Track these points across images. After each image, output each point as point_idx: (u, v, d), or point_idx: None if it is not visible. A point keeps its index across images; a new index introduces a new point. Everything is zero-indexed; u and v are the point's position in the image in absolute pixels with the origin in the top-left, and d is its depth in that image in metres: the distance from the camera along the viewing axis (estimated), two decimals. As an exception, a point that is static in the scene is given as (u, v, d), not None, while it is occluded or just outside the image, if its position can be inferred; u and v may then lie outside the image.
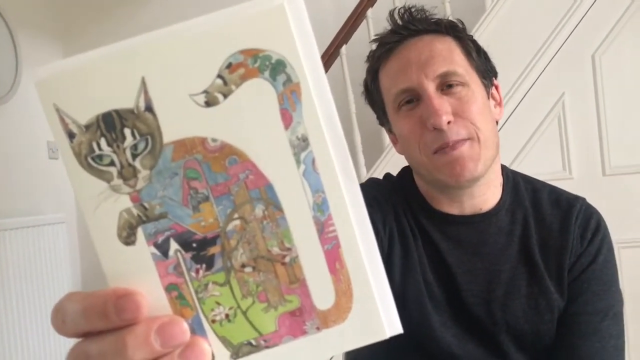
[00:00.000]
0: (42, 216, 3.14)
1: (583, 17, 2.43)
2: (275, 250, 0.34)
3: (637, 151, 2.41)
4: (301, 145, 0.33)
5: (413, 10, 0.95)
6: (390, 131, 1.02)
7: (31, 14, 3.43)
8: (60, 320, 0.34)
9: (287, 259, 0.34)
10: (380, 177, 1.09)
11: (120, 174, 0.33)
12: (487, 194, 0.95)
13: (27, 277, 2.92)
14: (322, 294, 0.35)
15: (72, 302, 0.33)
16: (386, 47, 0.94)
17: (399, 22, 0.95)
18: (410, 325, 0.90)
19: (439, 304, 0.92)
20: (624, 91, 2.41)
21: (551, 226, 0.94)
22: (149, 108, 0.33)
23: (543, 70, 2.47)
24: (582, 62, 2.45)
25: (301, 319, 0.35)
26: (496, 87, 0.99)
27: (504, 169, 1.00)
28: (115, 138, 0.33)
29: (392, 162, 2.53)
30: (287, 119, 0.33)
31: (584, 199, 0.98)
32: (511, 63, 2.39)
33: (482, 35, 2.46)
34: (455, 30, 0.94)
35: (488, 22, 2.50)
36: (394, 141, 1.01)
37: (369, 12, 2.78)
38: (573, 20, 2.44)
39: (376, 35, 0.99)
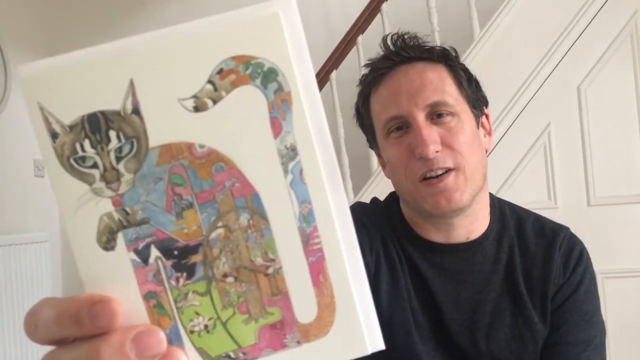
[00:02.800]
0: (26, 234, 3.11)
1: (569, 49, 2.47)
2: (259, 260, 0.33)
3: (621, 182, 2.44)
4: (290, 154, 0.33)
5: (406, 37, 0.96)
6: (379, 155, 1.02)
7: (20, 29, 3.43)
8: (33, 325, 0.33)
9: (270, 270, 0.33)
10: (368, 201, 1.09)
11: (103, 177, 0.32)
12: (473, 224, 0.95)
13: (8, 294, 2.87)
14: (305, 307, 0.34)
15: (46, 307, 0.32)
16: (378, 72, 0.95)
17: (392, 48, 0.95)
18: (396, 352, 0.90)
19: (424, 332, 0.91)
20: (608, 123, 2.45)
21: (535, 255, 0.94)
22: (136, 111, 0.32)
23: (529, 101, 2.50)
24: (568, 93, 2.48)
25: (282, 332, 0.34)
26: (486, 116, 0.99)
27: (490, 197, 1.00)
28: (99, 140, 0.32)
29: (380, 187, 2.53)
30: (276, 127, 0.33)
31: (567, 229, 0.98)
32: (498, 93, 2.42)
33: (470, 64, 2.46)
34: (447, 59, 0.94)
35: (476, 52, 2.54)
36: (383, 164, 1.01)
37: (360, 38, 2.81)
38: (559, 52, 2.48)
39: (368, 60, 0.99)
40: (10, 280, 2.90)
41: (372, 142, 1.01)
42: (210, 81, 0.32)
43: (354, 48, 2.84)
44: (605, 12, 2.45)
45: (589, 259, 0.96)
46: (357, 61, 2.79)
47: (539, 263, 0.94)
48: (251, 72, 0.32)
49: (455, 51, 0.98)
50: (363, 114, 1.00)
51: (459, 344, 0.91)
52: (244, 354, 0.34)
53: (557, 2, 2.50)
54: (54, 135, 0.32)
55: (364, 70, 1.00)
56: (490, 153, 0.98)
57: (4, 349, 2.79)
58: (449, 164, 0.87)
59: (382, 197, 1.08)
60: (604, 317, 0.95)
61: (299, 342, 0.34)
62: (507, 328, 0.91)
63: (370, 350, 0.34)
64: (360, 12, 2.84)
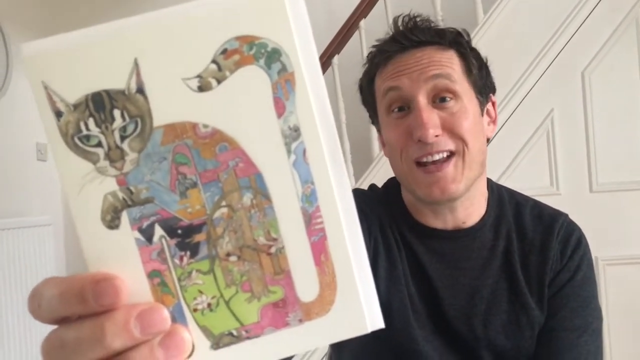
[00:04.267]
0: (28, 218, 3.11)
1: (573, 34, 2.46)
2: (262, 240, 0.34)
3: (624, 169, 2.44)
4: (293, 135, 0.33)
5: (418, 19, 0.93)
6: (380, 132, 1.01)
7: (23, 13, 3.42)
8: (37, 304, 0.33)
9: (272, 250, 0.34)
10: (367, 187, 1.09)
11: (108, 156, 0.32)
12: (470, 209, 0.95)
13: (12, 279, 2.89)
14: (306, 286, 0.34)
15: (50, 286, 0.32)
16: (385, 54, 0.93)
17: (402, 29, 0.93)
18: (393, 336, 0.90)
19: (421, 317, 0.92)
20: (612, 109, 2.44)
21: (533, 241, 0.94)
22: (141, 90, 0.32)
23: (533, 86, 2.50)
24: (572, 79, 2.48)
25: (284, 311, 0.34)
26: (493, 104, 0.98)
27: (489, 182, 1.00)
28: (104, 119, 0.32)
29: (381, 173, 2.54)
30: (280, 108, 0.33)
31: (566, 215, 0.98)
32: (501, 78, 2.39)
33: (473, 49, 2.47)
34: (459, 45, 0.92)
35: (479, 36, 2.53)
36: (383, 143, 1.01)
37: (362, 22, 2.80)
38: (563, 37, 2.47)
39: (377, 40, 0.97)
40: (14, 263, 2.91)
41: (374, 119, 1.01)
42: (214, 61, 0.32)
43: (356, 32, 2.82)
44: (610, -3, 2.44)
45: (586, 245, 0.96)
46: (359, 45, 2.78)
47: (536, 249, 0.94)
48: (255, 52, 0.32)
49: (468, 34, 0.95)
50: (366, 93, 1.00)
51: (456, 329, 0.92)
52: (246, 331, 0.34)
53: (562, -13, 2.48)
54: (58, 114, 0.32)
55: (368, 53, 0.98)
56: (492, 139, 0.97)
57: (7, 333, 2.81)
58: (450, 146, 0.86)
59: (383, 183, 1.08)
60: (604, 304, 0.96)
61: (300, 321, 0.35)
62: (504, 314, 0.91)
63: (370, 328, 0.35)
64: (363, -4, 2.83)
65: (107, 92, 0.32)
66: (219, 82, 0.32)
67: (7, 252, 2.88)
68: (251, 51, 0.32)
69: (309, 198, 0.34)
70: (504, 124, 2.47)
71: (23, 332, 2.90)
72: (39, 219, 3.18)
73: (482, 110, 0.94)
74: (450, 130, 0.86)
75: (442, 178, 0.86)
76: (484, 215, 0.96)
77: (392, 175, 1.01)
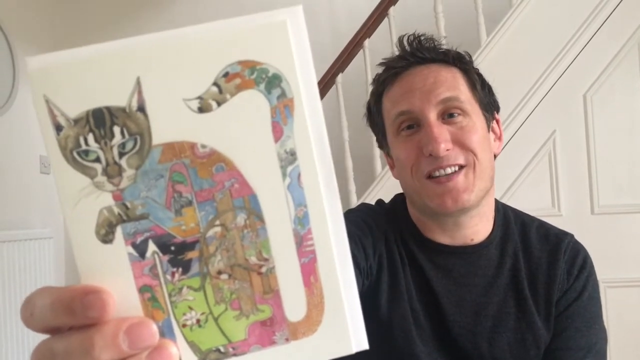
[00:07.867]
0: (30, 230, 3.12)
1: (576, 57, 2.48)
2: (253, 259, 0.34)
3: (625, 191, 2.44)
4: (289, 159, 0.34)
5: (422, 38, 0.96)
6: (388, 155, 1.02)
7: (30, 27, 3.45)
8: (29, 313, 0.33)
9: (263, 269, 0.34)
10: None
11: (105, 171, 0.33)
12: (478, 226, 0.95)
13: (12, 290, 2.88)
14: (294, 306, 0.35)
15: (42, 295, 0.33)
16: (392, 71, 0.95)
17: (407, 48, 0.96)
18: (395, 352, 0.90)
19: (425, 333, 0.92)
20: (614, 131, 2.45)
21: (540, 261, 0.95)
22: (142, 108, 0.32)
23: (535, 108, 2.50)
24: (574, 101, 2.49)
25: (271, 329, 0.35)
26: (497, 121, 1.00)
27: (495, 202, 1.00)
28: (103, 135, 0.32)
29: (384, 191, 2.54)
30: (277, 132, 0.33)
31: (572, 235, 0.99)
32: (504, 99, 2.40)
33: (476, 70, 2.48)
34: (462, 62, 0.95)
35: (482, 57, 2.54)
36: (392, 165, 1.01)
37: (366, 42, 2.82)
38: (566, 60, 2.48)
39: (383, 59, 1.00)
40: (14, 276, 2.91)
41: (382, 142, 1.02)
42: (215, 83, 0.33)
43: (361, 51, 2.84)
44: (612, 21, 2.45)
45: (592, 265, 0.97)
46: (363, 64, 2.79)
47: (543, 268, 0.94)
48: (256, 77, 0.33)
49: (470, 55, 0.98)
50: (374, 113, 1.01)
51: (461, 347, 0.91)
52: (233, 348, 0.35)
53: (565, 10, 2.50)
54: (58, 128, 0.32)
55: (374, 72, 1.00)
56: (496, 158, 0.98)
57: (6, 345, 2.81)
58: (460, 160, 0.87)
59: (386, 201, 1.08)
60: (606, 326, 0.95)
61: (287, 340, 0.35)
62: (510, 332, 0.91)
63: (354, 349, 0.35)
64: (368, 15, 2.85)
65: (108, 108, 0.32)
66: (219, 104, 0.33)
67: (8, 264, 2.88)
68: (252, 75, 0.33)
69: (302, 220, 0.34)
70: (505, 145, 2.48)
71: (22, 345, 2.89)
72: (41, 232, 3.18)
73: (488, 127, 0.95)
74: (461, 144, 0.88)
75: (453, 188, 0.87)
76: (490, 233, 0.96)
77: (395, 192, 1.02)
